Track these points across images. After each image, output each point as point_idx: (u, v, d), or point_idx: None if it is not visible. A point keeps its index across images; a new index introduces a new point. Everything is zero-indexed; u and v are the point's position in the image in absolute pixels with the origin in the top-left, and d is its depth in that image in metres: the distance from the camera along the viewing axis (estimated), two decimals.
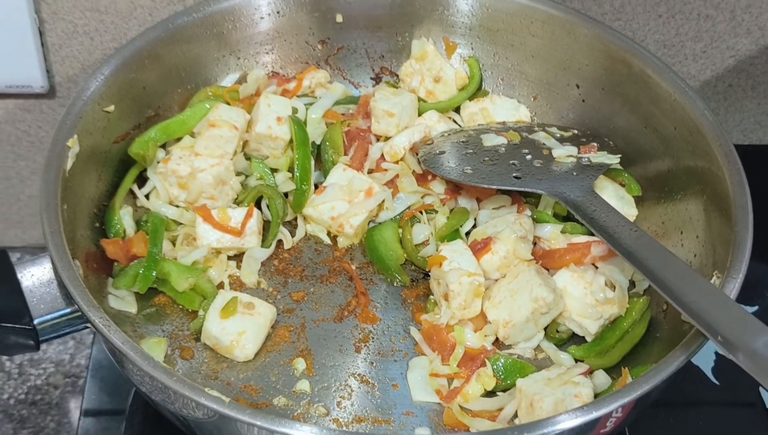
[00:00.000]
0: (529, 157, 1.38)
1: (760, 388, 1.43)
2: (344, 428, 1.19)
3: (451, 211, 1.41)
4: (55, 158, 1.22)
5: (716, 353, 1.48)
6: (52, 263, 1.12)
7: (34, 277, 1.15)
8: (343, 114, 1.51)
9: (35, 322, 1.12)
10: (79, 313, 1.11)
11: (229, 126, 1.38)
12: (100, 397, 1.41)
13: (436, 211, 1.41)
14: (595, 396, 1.18)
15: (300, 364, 1.25)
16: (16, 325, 1.10)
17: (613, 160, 1.37)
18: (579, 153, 1.39)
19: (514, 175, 1.34)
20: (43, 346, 1.50)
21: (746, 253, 1.16)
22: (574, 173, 1.33)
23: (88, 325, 1.11)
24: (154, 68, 1.40)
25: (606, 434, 1.08)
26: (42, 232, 1.14)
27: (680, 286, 1.10)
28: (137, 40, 1.38)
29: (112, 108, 1.33)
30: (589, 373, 1.21)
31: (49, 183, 1.19)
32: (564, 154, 1.38)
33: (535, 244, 1.35)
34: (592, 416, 1.00)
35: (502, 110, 1.53)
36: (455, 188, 1.42)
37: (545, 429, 0.99)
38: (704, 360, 1.47)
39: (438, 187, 1.42)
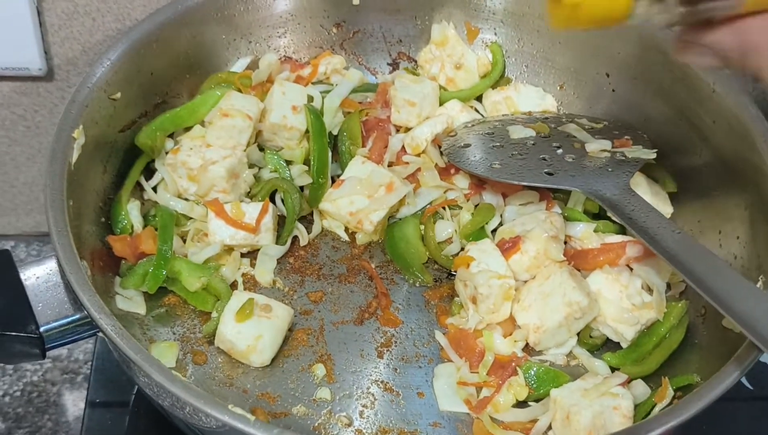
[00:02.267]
0: (560, 151, 1.31)
1: None
2: None
3: (476, 207, 1.34)
4: (60, 151, 1.15)
5: None
6: (59, 265, 1.05)
7: (39, 279, 1.08)
8: (360, 102, 1.44)
9: (41, 329, 1.05)
10: (89, 320, 1.04)
11: (243, 115, 1.31)
12: (104, 390, 1.35)
13: (460, 207, 1.34)
14: (635, 407, 1.12)
15: (320, 370, 1.19)
16: (22, 334, 1.03)
17: (650, 154, 1.30)
18: (613, 147, 1.32)
19: (545, 171, 1.28)
20: None
21: None
22: (609, 169, 1.27)
23: (97, 331, 1.04)
24: (162, 53, 1.33)
25: None
26: (38, 223, 1.07)
27: (730, 293, 1.03)
28: (144, 23, 1.31)
29: (118, 95, 1.26)
30: (628, 382, 1.15)
31: (54, 177, 1.12)
32: (598, 148, 1.31)
33: (565, 243, 1.29)
34: None
35: (527, 99, 1.46)
36: (479, 183, 1.35)
37: None
38: None
39: (462, 182, 1.35)
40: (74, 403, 1.44)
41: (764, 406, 1.40)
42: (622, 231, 1.30)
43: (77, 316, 1.06)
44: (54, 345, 1.07)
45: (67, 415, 1.43)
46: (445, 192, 1.36)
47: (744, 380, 1.41)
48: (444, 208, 1.35)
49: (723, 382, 1.00)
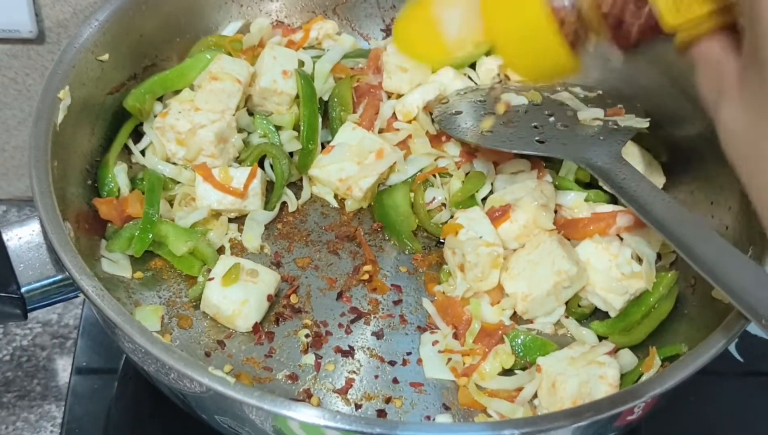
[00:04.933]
0: (552, 119, 1.29)
1: None
2: (353, 405, 1.12)
3: (467, 175, 1.32)
4: (45, 110, 1.14)
5: None
6: (41, 226, 1.05)
7: (22, 240, 1.07)
8: (352, 68, 1.42)
9: (23, 290, 1.04)
10: (71, 281, 1.03)
11: (232, 79, 1.30)
12: (92, 356, 1.35)
13: (451, 175, 1.33)
14: (621, 376, 1.11)
15: (305, 336, 1.18)
16: (2, 294, 1.02)
17: (642, 124, 1.28)
18: (605, 116, 1.30)
19: (536, 138, 1.26)
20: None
21: None
22: (601, 138, 1.25)
23: (80, 292, 1.03)
24: (152, 14, 1.31)
25: (633, 421, 1.01)
26: (30, 188, 1.06)
27: (720, 263, 1.01)
28: None
29: (106, 57, 1.25)
30: (615, 352, 1.14)
31: (38, 137, 1.11)
32: (590, 116, 1.29)
33: (556, 212, 1.27)
34: (627, 405, 0.93)
35: None
36: (471, 151, 1.33)
37: (577, 418, 0.92)
38: None
39: (453, 150, 1.34)
40: (64, 368, 1.43)
41: (755, 380, 1.39)
42: (614, 201, 1.28)
43: (59, 277, 1.05)
44: (36, 306, 1.06)
45: (56, 380, 1.42)
46: (435, 159, 1.34)
47: (734, 352, 1.40)
48: (434, 175, 1.33)
49: (709, 350, 0.99)
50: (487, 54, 1.45)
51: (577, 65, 0.95)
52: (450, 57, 1.32)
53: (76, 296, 1.07)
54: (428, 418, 1.12)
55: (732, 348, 1.41)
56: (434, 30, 1.05)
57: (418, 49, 1.12)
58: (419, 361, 1.17)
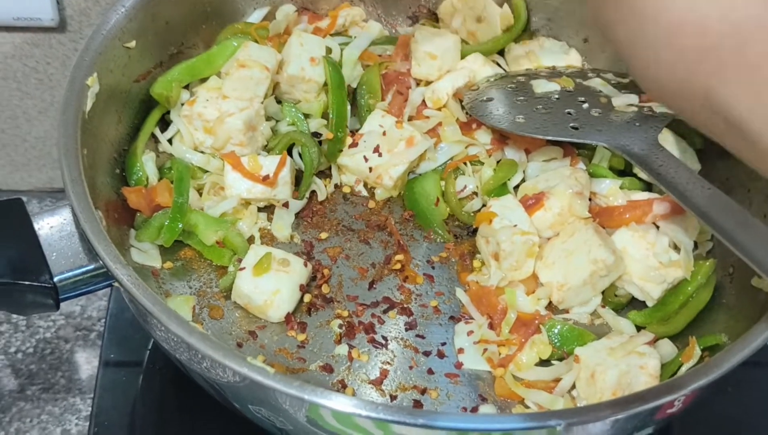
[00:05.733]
0: (585, 105, 1.27)
1: None
2: (388, 397, 1.10)
3: (498, 162, 1.31)
4: (73, 98, 1.12)
5: None
6: (73, 214, 1.03)
7: (53, 229, 1.05)
8: (380, 55, 1.40)
9: (55, 279, 1.02)
10: (104, 270, 1.02)
11: (260, 66, 1.28)
12: (117, 349, 1.33)
13: (482, 163, 1.31)
14: (661, 367, 1.09)
15: (338, 327, 1.16)
16: (35, 283, 1.01)
17: None
18: (640, 102, 1.28)
19: (571, 125, 1.24)
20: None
21: None
22: (637, 124, 1.23)
23: (112, 282, 1.02)
24: (178, 1, 1.30)
25: (673, 414, 0.99)
26: (51, 178, 1.04)
27: (763, 250, 0.99)
28: None
29: (133, 43, 1.23)
30: (654, 342, 1.12)
31: (68, 125, 1.09)
32: (624, 103, 1.27)
33: (590, 200, 1.25)
34: (671, 397, 0.91)
35: (551, 54, 1.42)
36: (502, 138, 1.31)
37: (625, 408, 0.90)
38: None
39: (484, 137, 1.32)
40: (87, 360, 1.42)
41: None
42: (648, 188, 1.26)
43: (92, 267, 1.04)
44: (68, 296, 1.04)
45: (80, 373, 1.41)
46: (466, 147, 1.32)
47: None
48: (465, 163, 1.31)
49: (754, 341, 0.97)
50: (516, 40, 1.43)
51: None
52: None
53: (110, 286, 1.06)
54: (464, 409, 1.10)
55: None
56: None
57: None
58: (458, 351, 1.15)
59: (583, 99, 1.29)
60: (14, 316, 1.47)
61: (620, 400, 0.93)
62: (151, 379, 1.30)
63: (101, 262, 0.99)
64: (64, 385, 1.38)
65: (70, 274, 1.03)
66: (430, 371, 1.13)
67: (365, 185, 1.32)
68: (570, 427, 0.89)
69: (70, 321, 1.47)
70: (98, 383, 1.29)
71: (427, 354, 1.15)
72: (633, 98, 1.28)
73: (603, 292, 1.20)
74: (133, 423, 1.26)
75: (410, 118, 1.34)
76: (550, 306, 1.20)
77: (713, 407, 1.25)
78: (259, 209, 1.27)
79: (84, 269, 1.04)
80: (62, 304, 1.44)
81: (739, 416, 1.29)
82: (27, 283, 1.00)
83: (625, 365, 1.07)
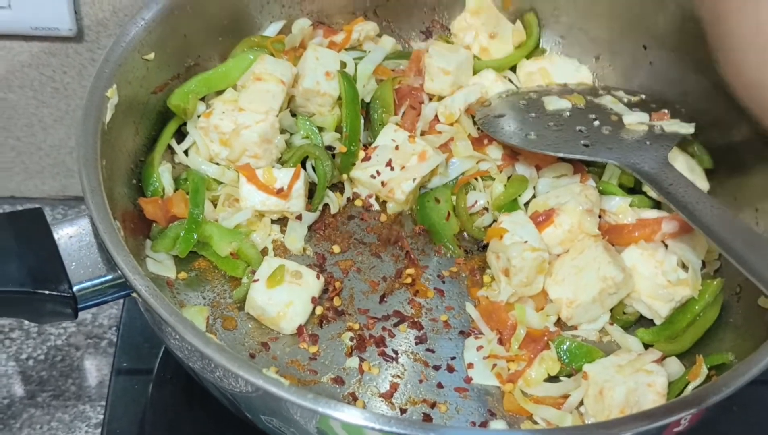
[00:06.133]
0: (596, 123, 1.29)
1: None
2: (398, 410, 1.12)
3: (509, 178, 1.32)
4: (93, 109, 1.14)
5: None
6: (92, 224, 1.04)
7: (72, 238, 1.07)
8: (393, 70, 1.41)
9: (74, 289, 1.04)
10: (122, 280, 1.03)
11: (276, 80, 1.29)
12: (128, 357, 1.34)
13: (493, 179, 1.32)
14: (669, 385, 1.10)
15: (349, 340, 1.18)
16: (54, 292, 1.02)
17: (688, 129, 1.28)
18: (651, 120, 1.29)
19: (582, 142, 1.26)
20: None
21: None
22: (647, 143, 1.24)
23: (131, 292, 1.03)
24: (196, 15, 1.31)
25: (679, 432, 1.00)
26: (81, 187, 1.06)
27: None
28: None
29: (152, 56, 1.25)
30: (661, 360, 1.13)
31: (88, 136, 1.11)
32: (635, 121, 1.29)
33: (600, 217, 1.26)
34: (680, 415, 0.93)
35: (562, 71, 1.43)
36: (513, 154, 1.33)
37: (633, 426, 0.91)
38: None
39: (495, 153, 1.33)
40: (98, 368, 1.43)
41: None
42: (657, 206, 1.28)
43: (110, 277, 1.05)
44: (86, 305, 1.05)
45: (90, 380, 1.41)
46: (477, 162, 1.34)
47: None
48: (476, 178, 1.33)
49: (761, 360, 0.98)
50: (528, 57, 1.45)
51: None
52: None
53: (127, 296, 1.07)
54: (473, 423, 1.11)
55: None
56: None
57: None
58: (467, 365, 1.16)
59: (594, 116, 1.30)
60: (26, 323, 1.48)
61: (628, 418, 0.94)
62: (161, 388, 1.31)
63: (120, 272, 1.00)
64: (75, 392, 1.39)
65: (89, 283, 1.05)
66: (440, 385, 1.14)
67: (377, 199, 1.33)
68: None
69: (81, 329, 1.48)
70: (110, 391, 1.30)
71: (436, 368, 1.16)
72: (644, 117, 1.30)
73: (611, 310, 1.21)
74: (143, 431, 1.27)
75: (423, 133, 1.36)
76: (559, 322, 1.21)
77: (718, 426, 1.26)
78: (273, 221, 1.28)
79: (103, 279, 1.05)
80: None
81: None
82: (47, 292, 1.02)
83: (633, 383, 1.08)
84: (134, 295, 1.01)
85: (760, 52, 0.89)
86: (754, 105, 0.96)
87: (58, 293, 1.02)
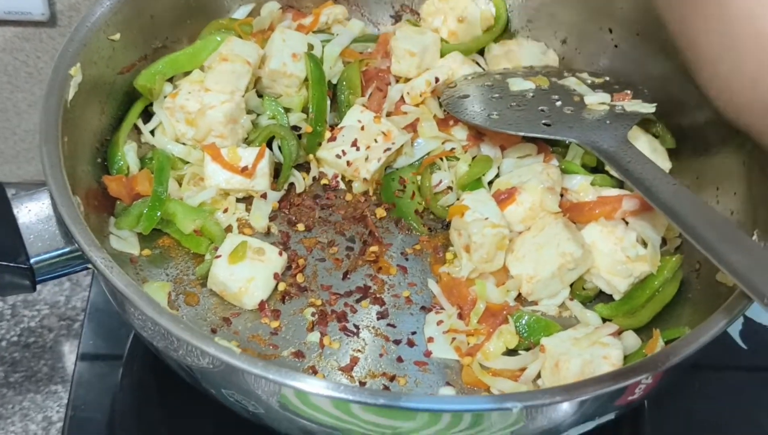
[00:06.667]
0: (558, 103, 1.30)
1: None
2: (357, 383, 1.13)
3: (474, 158, 1.33)
4: (56, 87, 1.15)
5: (745, 316, 1.41)
6: (51, 199, 1.06)
7: (31, 212, 1.08)
8: (361, 53, 1.42)
9: (32, 261, 1.05)
10: (79, 253, 1.04)
11: (242, 61, 1.30)
12: (97, 342, 1.35)
13: (458, 159, 1.34)
14: (625, 358, 1.11)
15: (311, 315, 1.19)
16: (11, 264, 1.03)
17: (649, 108, 1.29)
18: (612, 100, 1.31)
19: (543, 121, 1.27)
20: (38, 287, 1.45)
21: None
22: (607, 122, 1.25)
23: (88, 265, 1.04)
24: None
25: (634, 401, 1.02)
26: (41, 165, 1.07)
27: (723, 244, 1.02)
28: None
29: (117, 36, 1.26)
30: (618, 333, 1.15)
31: (49, 113, 1.12)
32: (596, 101, 1.30)
33: (562, 195, 1.28)
34: (628, 382, 0.94)
35: (529, 54, 1.44)
36: (478, 135, 1.34)
37: (578, 393, 0.92)
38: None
39: (460, 133, 1.34)
40: (71, 350, 1.44)
41: (761, 375, 1.39)
42: (620, 185, 1.29)
43: (68, 249, 1.06)
44: (44, 278, 1.07)
45: (63, 361, 1.43)
46: (443, 143, 1.35)
47: (740, 341, 1.40)
48: (441, 159, 1.34)
49: (710, 330, 0.99)
50: (495, 40, 1.46)
51: None
52: None
53: (85, 269, 1.08)
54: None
55: (737, 337, 1.41)
56: None
57: None
58: (427, 340, 1.17)
59: (556, 97, 1.31)
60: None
61: (577, 383, 0.94)
62: (130, 373, 1.32)
63: (76, 244, 1.02)
64: (47, 374, 1.40)
65: (47, 256, 1.06)
66: (400, 359, 1.16)
67: (343, 178, 1.34)
68: (526, 409, 0.91)
69: (54, 311, 1.49)
70: (75, 377, 1.31)
71: (397, 342, 1.17)
72: (605, 97, 1.31)
73: (571, 285, 1.22)
74: (113, 416, 1.28)
75: (389, 114, 1.37)
76: (520, 298, 1.22)
77: (682, 412, 1.30)
78: (238, 200, 1.29)
79: (60, 251, 1.07)
80: (47, 294, 1.48)
81: (707, 420, 1.32)
82: (4, 263, 1.03)
83: (589, 355, 1.09)
84: (90, 267, 1.02)
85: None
86: (750, 130, 0.95)
87: (16, 265, 1.03)
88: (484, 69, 1.44)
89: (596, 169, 1.32)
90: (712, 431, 1.31)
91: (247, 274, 1.17)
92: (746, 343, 1.40)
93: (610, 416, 1.05)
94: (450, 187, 1.32)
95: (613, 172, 1.27)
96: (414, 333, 1.18)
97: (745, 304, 1.01)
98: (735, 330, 1.40)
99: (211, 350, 0.92)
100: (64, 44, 1.20)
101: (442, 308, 1.20)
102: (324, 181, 1.34)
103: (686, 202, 1.09)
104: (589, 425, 1.04)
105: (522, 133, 1.28)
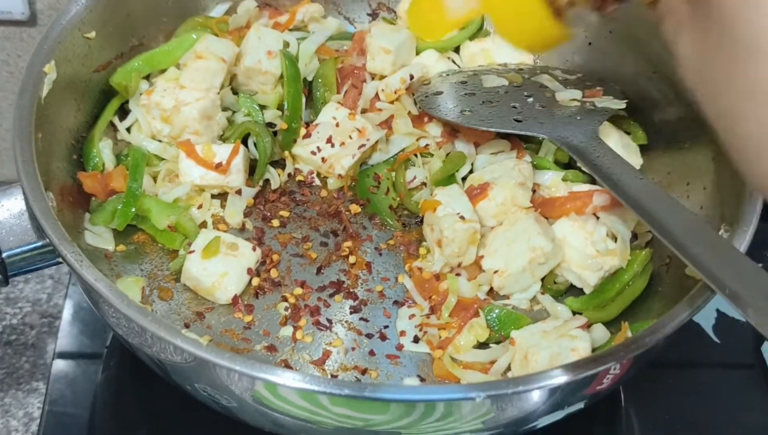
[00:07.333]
0: (530, 99, 1.31)
1: (762, 348, 1.39)
2: (329, 376, 1.14)
3: (448, 155, 1.34)
4: (30, 84, 1.15)
5: (717, 311, 1.42)
6: (24, 194, 1.06)
7: (4, 208, 1.09)
8: (336, 50, 1.44)
9: (4, 255, 1.06)
10: (51, 248, 1.05)
11: (217, 58, 1.31)
12: (77, 340, 1.36)
13: (432, 155, 1.35)
14: (593, 350, 1.12)
15: (284, 309, 1.20)
16: None
17: (619, 105, 1.30)
18: (583, 97, 1.32)
19: (514, 117, 1.28)
20: (20, 285, 1.47)
21: (757, 205, 1.10)
22: (578, 118, 1.27)
23: (60, 260, 1.05)
24: None
25: (602, 390, 1.03)
26: (13, 157, 1.08)
27: (687, 237, 1.03)
28: None
29: (93, 34, 1.27)
30: (587, 326, 1.16)
31: (23, 109, 1.13)
32: (567, 97, 1.31)
33: (534, 191, 1.29)
34: (590, 372, 0.95)
35: (504, 51, 1.45)
36: (452, 132, 1.35)
37: (540, 383, 0.94)
38: (705, 317, 1.42)
39: (434, 130, 1.36)
40: (52, 347, 1.44)
41: (736, 372, 1.40)
42: (591, 181, 1.30)
43: (40, 244, 1.07)
44: (17, 272, 1.08)
45: (45, 358, 1.43)
46: (417, 139, 1.36)
47: (713, 335, 1.41)
48: (416, 155, 1.35)
49: (675, 319, 1.00)
50: (471, 38, 1.47)
51: (566, 34, 0.96)
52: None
53: (57, 263, 1.09)
54: None
55: (710, 332, 1.42)
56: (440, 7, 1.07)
57: (426, 26, 1.18)
58: (400, 333, 1.18)
59: (528, 94, 1.33)
60: None
61: (540, 374, 0.95)
62: (109, 372, 1.33)
63: (48, 238, 1.03)
64: (28, 370, 1.41)
65: (19, 250, 1.07)
66: (372, 353, 1.17)
67: (318, 175, 1.35)
68: (490, 399, 0.92)
69: (36, 308, 1.50)
70: (51, 376, 1.32)
71: (369, 336, 1.18)
72: (576, 93, 1.32)
73: (543, 280, 1.24)
74: (93, 415, 1.29)
75: (364, 111, 1.38)
76: (492, 292, 1.23)
77: (660, 408, 1.31)
78: (213, 196, 1.30)
79: (33, 246, 1.08)
80: (29, 292, 1.49)
81: (685, 416, 1.33)
82: None
83: (557, 347, 1.10)
84: (61, 260, 1.03)
85: None
86: None
87: None
88: (459, 66, 1.46)
89: (569, 165, 1.33)
90: (687, 427, 1.32)
91: (220, 269, 1.18)
92: (720, 338, 1.41)
93: (579, 405, 1.06)
94: (424, 183, 1.33)
95: (582, 166, 1.28)
96: (386, 327, 1.19)
97: (708, 296, 1.02)
98: (708, 325, 1.42)
99: (177, 342, 0.93)
100: (39, 42, 1.20)
101: (415, 302, 1.21)
102: (299, 178, 1.35)
103: (653, 196, 1.11)
104: (559, 414, 1.05)
105: (494, 129, 1.29)
